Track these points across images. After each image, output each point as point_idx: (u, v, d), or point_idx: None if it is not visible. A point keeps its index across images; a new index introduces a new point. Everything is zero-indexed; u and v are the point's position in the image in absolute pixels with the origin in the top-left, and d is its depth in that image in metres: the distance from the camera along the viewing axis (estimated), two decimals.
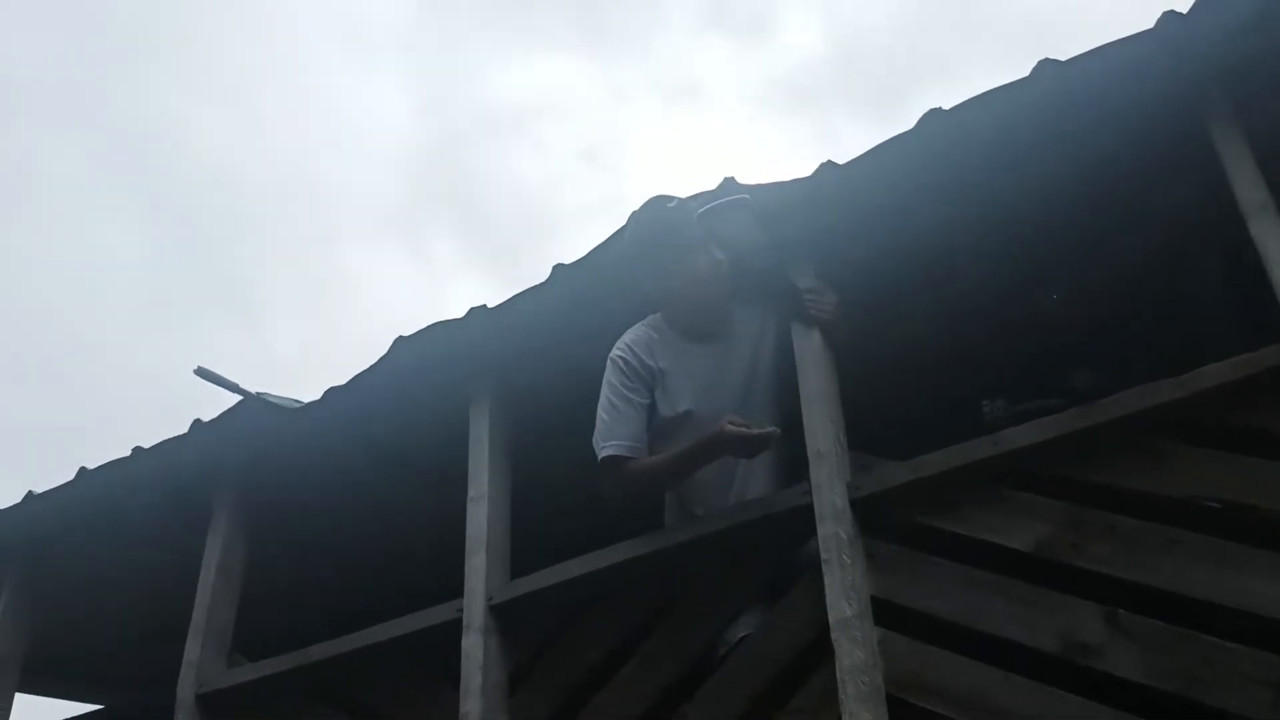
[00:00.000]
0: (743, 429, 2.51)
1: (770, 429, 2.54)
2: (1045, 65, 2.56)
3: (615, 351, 2.82)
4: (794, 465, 2.83)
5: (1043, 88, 2.57)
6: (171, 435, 3.59)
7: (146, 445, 3.64)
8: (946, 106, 2.64)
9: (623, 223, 2.93)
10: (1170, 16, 2.47)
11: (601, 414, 2.72)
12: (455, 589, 3.01)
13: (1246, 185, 2.40)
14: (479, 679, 2.79)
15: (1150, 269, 3.03)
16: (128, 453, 3.68)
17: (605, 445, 2.67)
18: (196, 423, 3.56)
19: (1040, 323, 3.06)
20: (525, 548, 3.08)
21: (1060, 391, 2.40)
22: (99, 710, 4.61)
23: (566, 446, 3.34)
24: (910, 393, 3.29)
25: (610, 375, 2.77)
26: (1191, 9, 2.45)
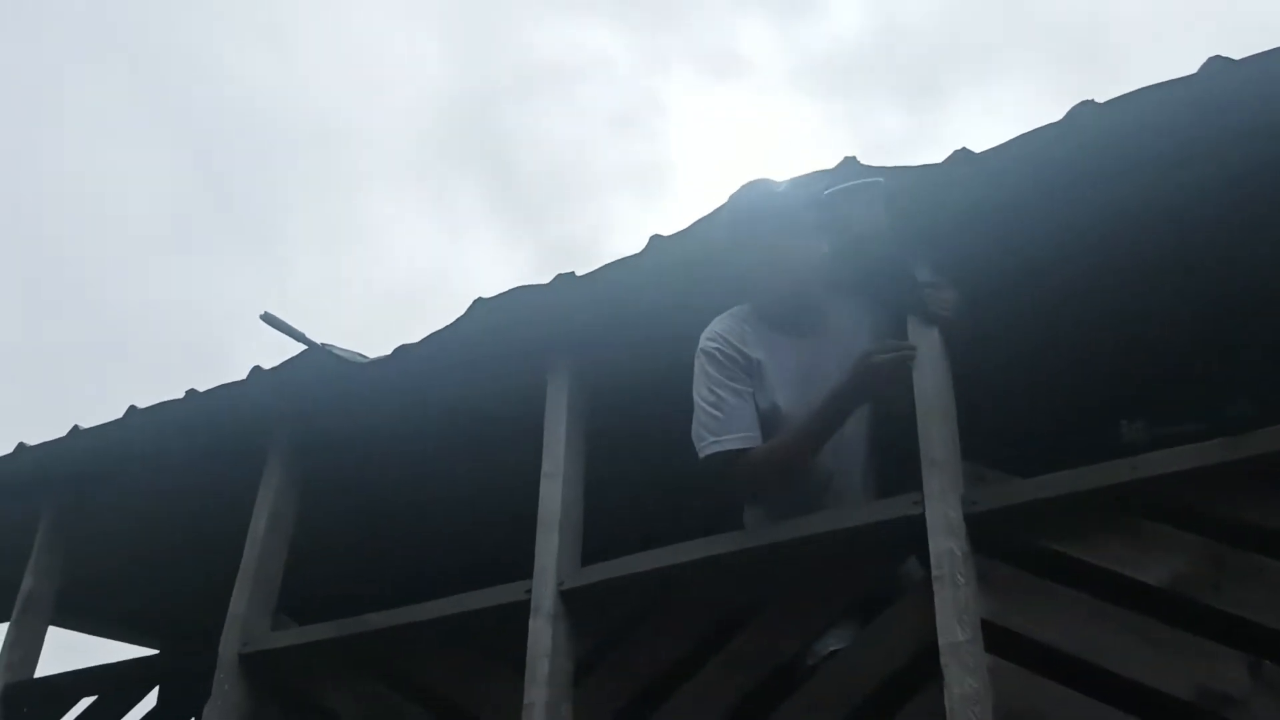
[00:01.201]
0: (889, 353, 2.35)
1: (910, 344, 2.40)
2: (1214, 61, 2.36)
3: (707, 343, 2.62)
4: (884, 483, 2.67)
5: (1209, 84, 2.37)
6: (229, 380, 3.45)
7: (200, 388, 3.50)
8: (1098, 100, 2.44)
9: (721, 201, 2.77)
10: None
11: (706, 408, 2.52)
12: (518, 568, 2.86)
13: None
14: (546, 666, 2.64)
15: None
16: (180, 394, 3.54)
17: (720, 440, 2.47)
18: (256, 369, 3.41)
19: (1187, 341, 2.86)
20: (595, 531, 2.93)
21: (1209, 418, 2.22)
22: (144, 658, 4.49)
23: (643, 427, 3.21)
24: (1029, 403, 3.09)
25: (707, 367, 2.58)
26: None
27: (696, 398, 2.57)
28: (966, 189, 2.58)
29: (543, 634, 2.69)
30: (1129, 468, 2.25)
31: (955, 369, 2.55)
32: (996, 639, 2.24)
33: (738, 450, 2.47)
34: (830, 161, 2.70)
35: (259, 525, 3.34)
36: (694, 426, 2.55)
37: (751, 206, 2.59)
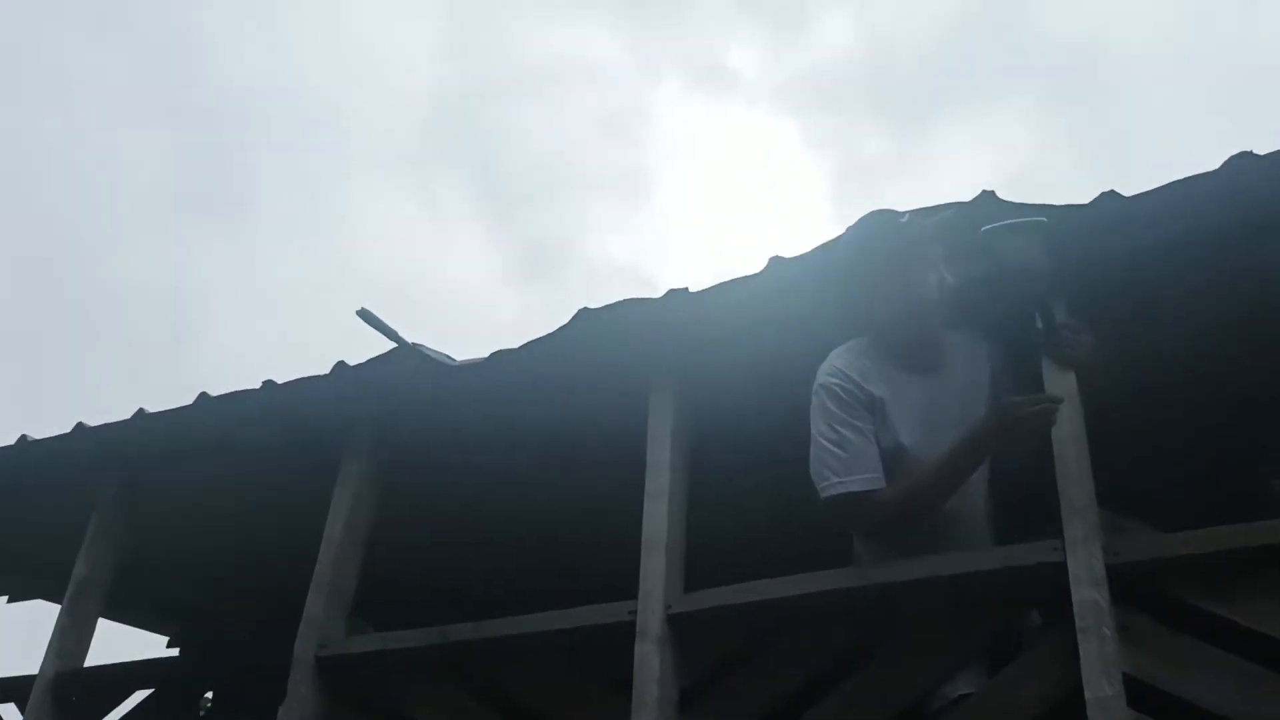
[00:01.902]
0: (1035, 405, 2.31)
1: (1056, 396, 2.37)
2: None
3: (828, 379, 2.55)
4: (999, 528, 2.63)
5: None
6: (308, 374, 3.37)
7: (278, 380, 3.42)
8: (1257, 152, 2.41)
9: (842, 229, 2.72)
10: None
11: (828, 446, 2.45)
12: (614, 588, 2.80)
13: None
14: (655, 692, 2.57)
15: None
16: (256, 385, 3.46)
17: (844, 481, 2.41)
18: (340, 365, 3.33)
19: None
20: (695, 554, 2.87)
21: None
22: (191, 658, 4.38)
23: (746, 449, 3.16)
24: (1164, 453, 3.05)
25: (828, 403, 2.51)
26: None
27: (816, 434, 2.51)
28: (1113, 230, 2.54)
29: (650, 658, 2.62)
30: None
31: (1090, 414, 2.51)
32: (1140, 695, 2.19)
33: (864, 492, 2.41)
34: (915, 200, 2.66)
35: (335, 527, 3.25)
36: (814, 463, 2.49)
37: (878, 235, 2.54)
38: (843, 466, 2.43)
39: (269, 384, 3.43)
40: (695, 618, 2.68)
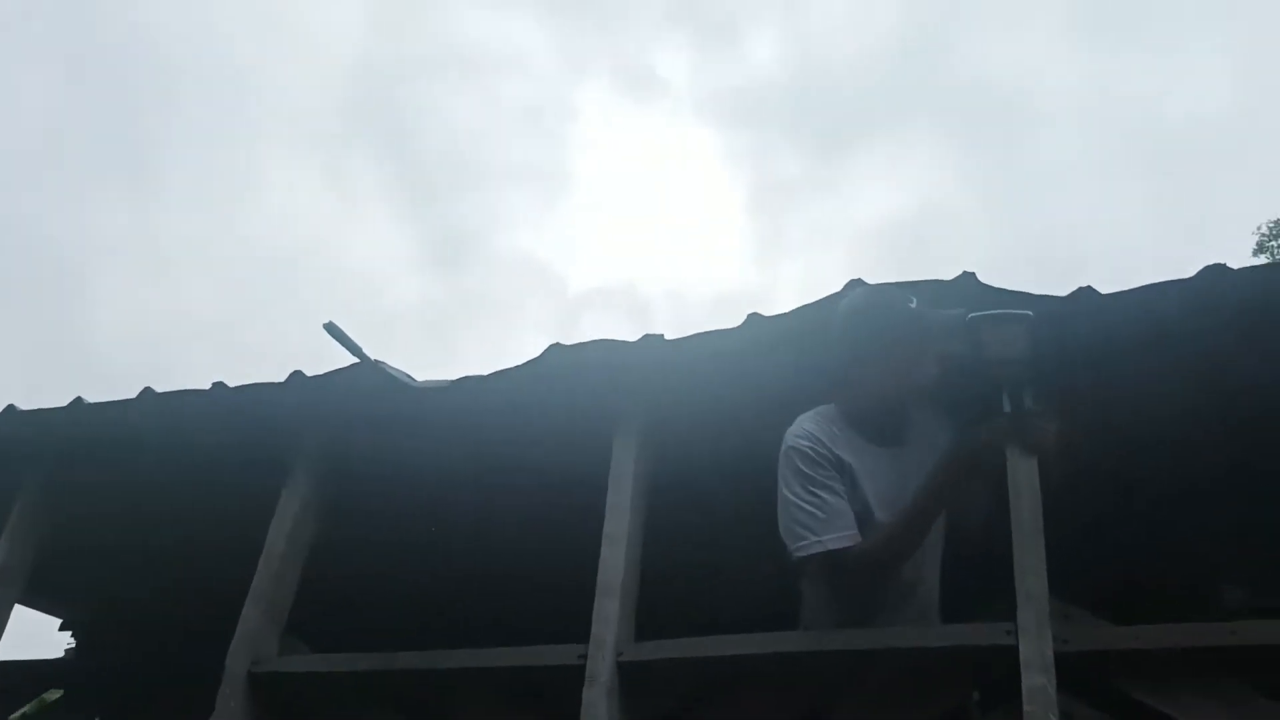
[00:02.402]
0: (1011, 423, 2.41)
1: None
2: None
3: (799, 441, 2.58)
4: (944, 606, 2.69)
5: None
6: (264, 380, 3.30)
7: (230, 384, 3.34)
8: (1230, 265, 2.51)
9: (831, 293, 2.77)
10: None
11: (804, 506, 2.48)
12: (563, 629, 2.79)
13: None
14: None
15: None
16: (205, 385, 3.38)
17: (824, 539, 2.43)
18: (296, 374, 3.27)
19: None
20: (645, 599, 2.88)
21: None
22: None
23: (705, 499, 3.18)
24: (1118, 546, 3.14)
25: (800, 464, 2.55)
26: None
27: (789, 494, 2.53)
28: (1093, 324, 2.61)
29: (598, 704, 2.62)
30: (1229, 632, 2.30)
31: (1048, 501, 2.58)
32: None
33: (843, 549, 2.45)
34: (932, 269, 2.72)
35: (278, 539, 3.19)
36: (787, 523, 2.51)
37: (887, 314, 2.58)
38: (820, 525, 2.47)
39: (219, 386, 3.35)
40: (645, 667, 2.69)
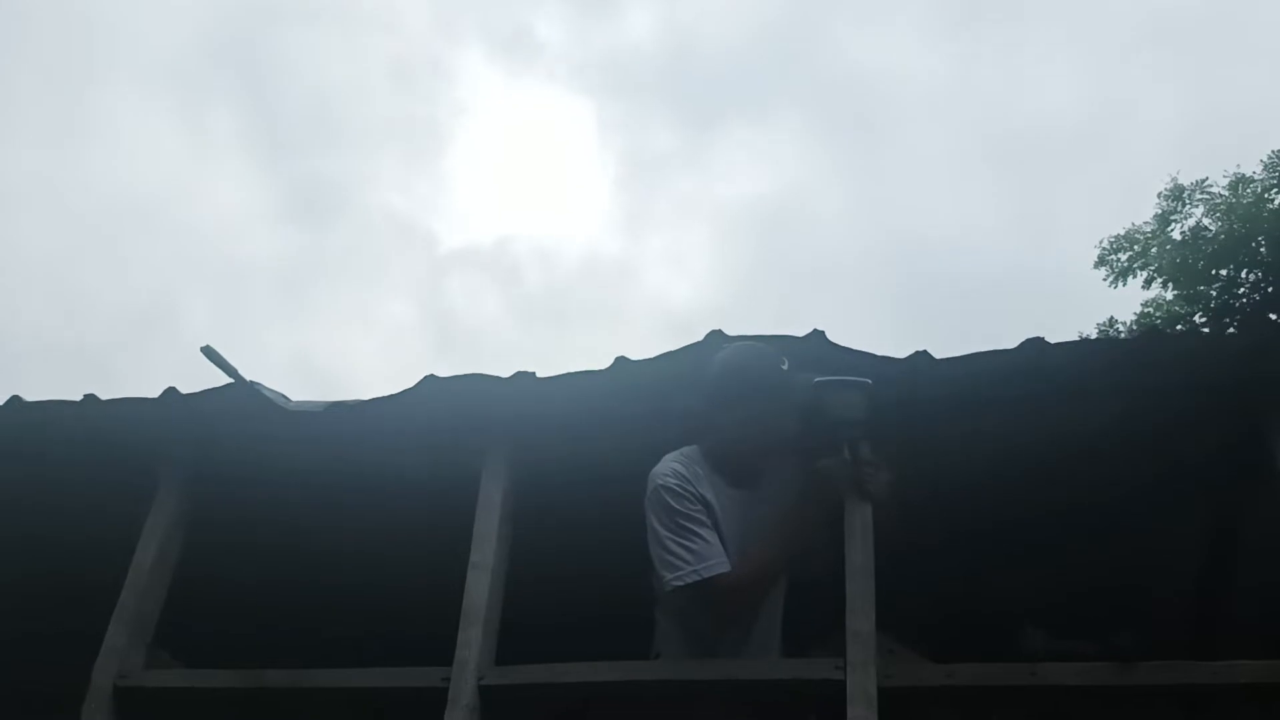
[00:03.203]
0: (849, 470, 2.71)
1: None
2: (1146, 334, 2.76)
3: (668, 480, 2.80)
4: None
5: (1143, 347, 2.78)
6: (137, 396, 3.34)
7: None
8: (1049, 340, 2.80)
9: (693, 342, 2.99)
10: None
11: (678, 539, 2.70)
12: (427, 650, 2.94)
13: None
14: None
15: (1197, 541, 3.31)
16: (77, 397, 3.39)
17: (699, 569, 2.65)
18: (170, 390, 3.31)
19: (1086, 574, 3.28)
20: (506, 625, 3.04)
21: (1099, 641, 2.59)
22: None
23: (569, 531, 3.36)
24: (939, 589, 3.44)
25: (671, 502, 2.76)
26: None
27: (661, 530, 2.74)
28: (926, 389, 2.88)
29: None
30: (1029, 672, 2.59)
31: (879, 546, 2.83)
32: None
33: (718, 575, 2.67)
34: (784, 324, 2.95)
35: (146, 554, 3.24)
36: (662, 556, 2.72)
37: (759, 370, 2.81)
38: (694, 557, 2.69)
39: (90, 399, 3.37)
40: (506, 691, 2.85)
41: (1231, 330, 2.90)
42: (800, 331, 2.98)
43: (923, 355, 2.88)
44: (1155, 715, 2.54)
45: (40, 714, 3.12)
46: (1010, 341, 2.81)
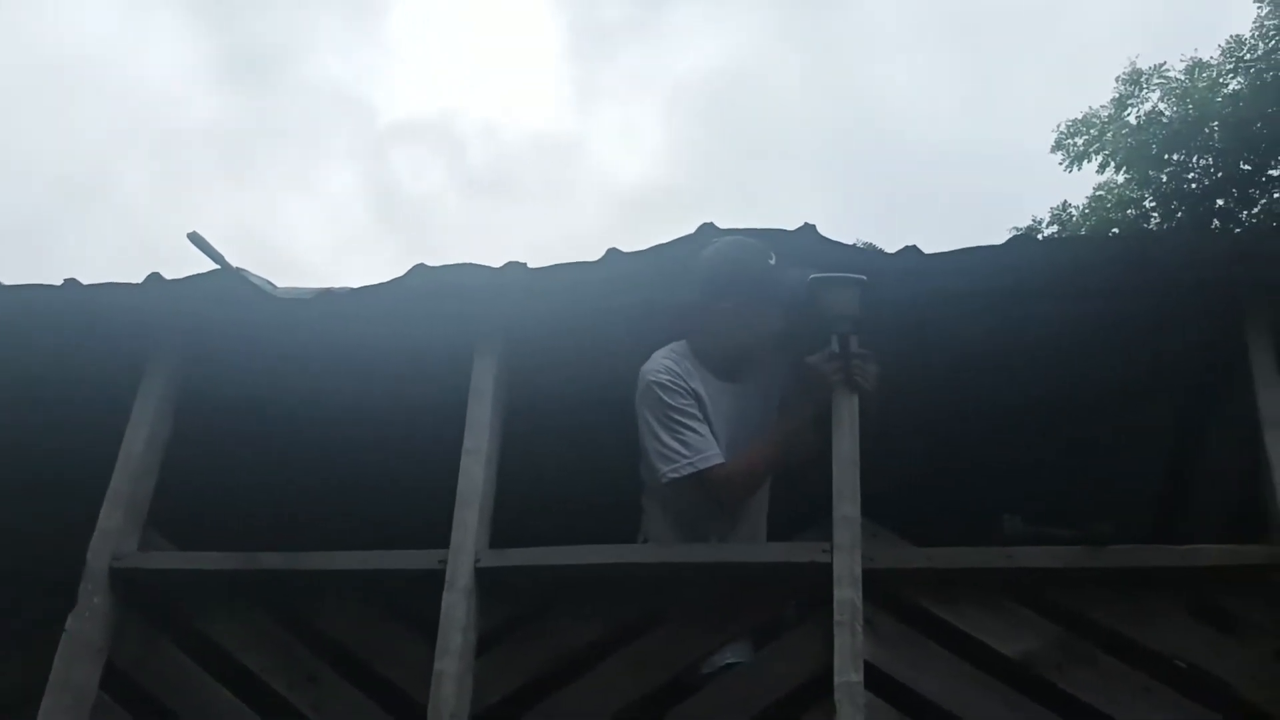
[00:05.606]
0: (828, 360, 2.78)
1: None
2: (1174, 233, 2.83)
3: (660, 376, 2.85)
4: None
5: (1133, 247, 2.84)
6: (120, 281, 3.31)
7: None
8: (1039, 237, 2.85)
9: (685, 235, 3.01)
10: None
11: (675, 432, 2.77)
12: (423, 534, 3.01)
13: (1271, 397, 2.77)
14: (459, 639, 2.81)
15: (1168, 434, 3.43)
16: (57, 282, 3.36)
17: (694, 460, 2.74)
18: (154, 276, 3.29)
19: (1065, 473, 3.41)
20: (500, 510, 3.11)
21: (1076, 528, 2.72)
22: None
23: (560, 419, 3.41)
24: (925, 474, 3.54)
25: (664, 397, 2.81)
26: None
27: (654, 423, 2.81)
28: (909, 284, 2.93)
29: (457, 607, 2.86)
30: (1005, 555, 2.73)
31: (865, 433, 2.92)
32: (878, 682, 2.66)
33: (714, 466, 2.76)
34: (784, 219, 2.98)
35: (135, 439, 3.25)
36: (656, 449, 2.80)
37: (750, 266, 2.84)
38: (689, 450, 2.77)
39: (71, 282, 3.34)
40: (500, 573, 2.94)
41: (1216, 226, 2.97)
42: (791, 225, 3.01)
43: (912, 250, 2.92)
44: (1127, 601, 2.67)
45: (39, 599, 3.15)
46: (972, 224, 2.89)
